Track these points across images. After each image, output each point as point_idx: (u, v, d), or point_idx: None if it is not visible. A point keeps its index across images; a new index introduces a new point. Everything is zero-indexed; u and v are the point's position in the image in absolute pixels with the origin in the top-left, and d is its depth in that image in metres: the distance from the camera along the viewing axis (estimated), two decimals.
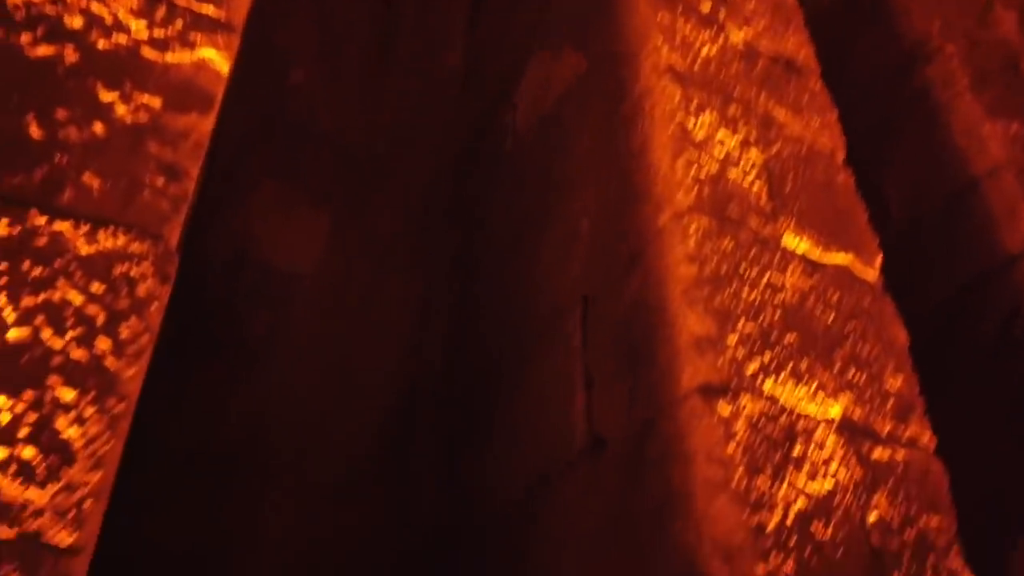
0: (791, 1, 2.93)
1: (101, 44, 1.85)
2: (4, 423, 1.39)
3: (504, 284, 2.98)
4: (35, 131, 1.69)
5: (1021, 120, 3.21)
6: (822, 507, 1.65)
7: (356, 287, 3.18)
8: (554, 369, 2.46)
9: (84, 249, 1.62)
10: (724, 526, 1.57)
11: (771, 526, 1.60)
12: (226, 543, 2.57)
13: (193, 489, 2.54)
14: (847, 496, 1.66)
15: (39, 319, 1.50)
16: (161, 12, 1.95)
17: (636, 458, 1.96)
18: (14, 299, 1.51)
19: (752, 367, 1.75)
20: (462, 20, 4.10)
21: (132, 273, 1.64)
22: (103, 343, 1.54)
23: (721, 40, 2.55)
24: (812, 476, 1.66)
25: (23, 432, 1.39)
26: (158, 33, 1.92)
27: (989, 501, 2.71)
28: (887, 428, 1.83)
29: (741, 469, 1.62)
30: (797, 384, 1.77)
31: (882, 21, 3.86)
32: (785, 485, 1.64)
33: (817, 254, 2.03)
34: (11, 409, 1.40)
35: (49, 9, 1.85)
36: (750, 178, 2.14)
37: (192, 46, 1.93)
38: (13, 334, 1.47)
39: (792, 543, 1.60)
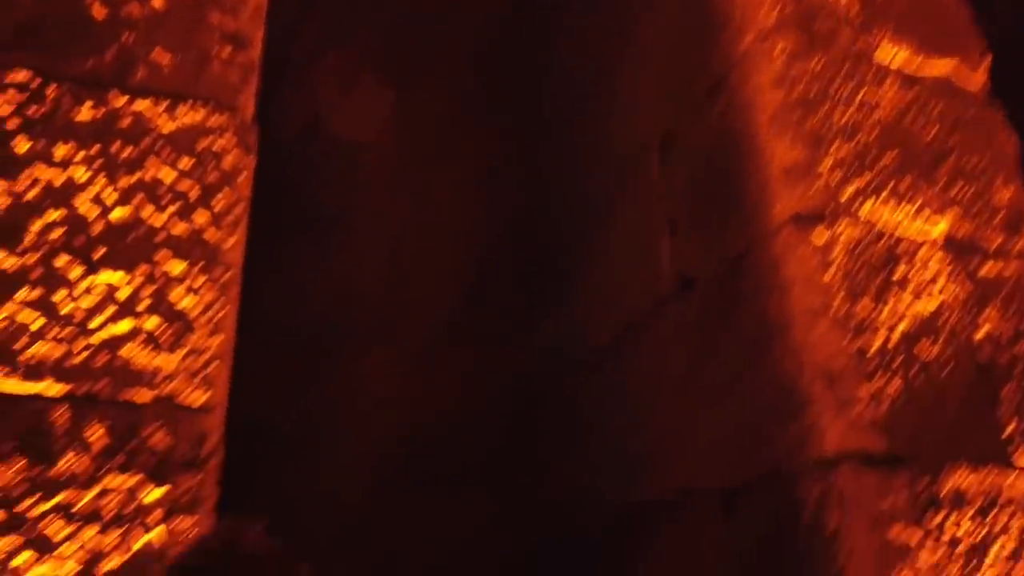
0: None
1: None
2: (124, 298, 1.46)
3: (576, 133, 2.91)
4: (98, 11, 1.67)
5: None
6: (927, 327, 1.62)
7: (425, 152, 3.15)
8: (635, 214, 2.43)
9: (167, 126, 1.63)
10: (825, 352, 1.57)
11: (874, 349, 1.59)
12: (320, 413, 2.71)
13: (285, 363, 2.65)
14: (953, 314, 1.63)
15: (138, 198, 1.55)
16: None
17: (726, 295, 1.95)
18: (112, 180, 1.54)
19: (849, 191, 1.69)
20: None
21: (215, 147, 1.65)
22: (201, 216, 1.57)
23: None
24: (916, 296, 1.62)
25: (143, 305, 1.46)
26: None
27: None
28: (997, 242, 1.76)
29: (841, 295, 1.60)
30: (898, 205, 1.70)
31: None
32: (888, 308, 1.61)
33: (916, 65, 1.89)
34: (129, 284, 1.47)
35: None
36: None
37: None
38: (116, 214, 1.52)
39: (896, 364, 1.59)
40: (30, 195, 1.47)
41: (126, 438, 1.37)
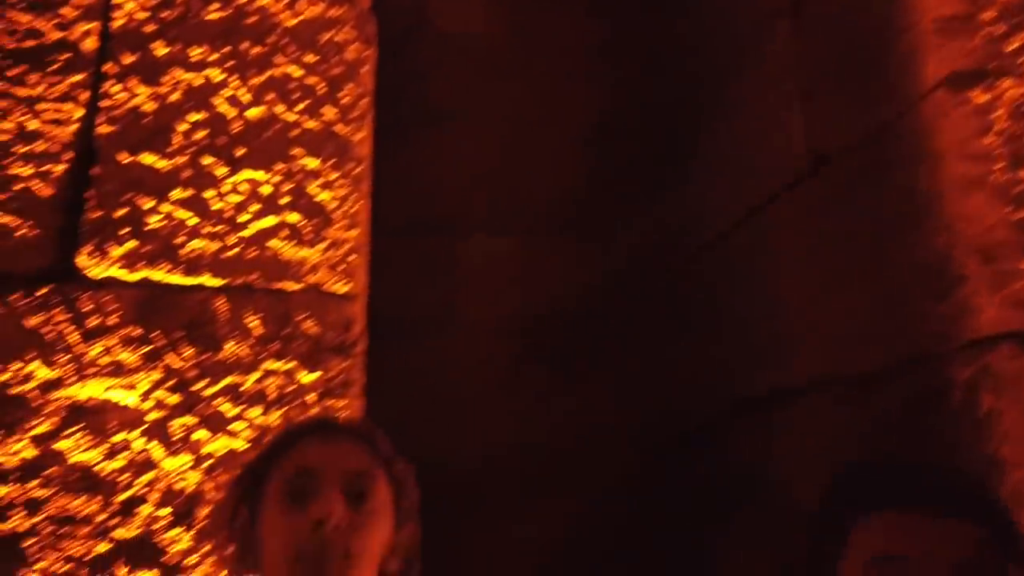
0: None
1: None
2: (267, 194, 1.52)
3: (693, 2, 2.75)
4: None
5: None
6: None
7: (534, 39, 3.06)
8: (763, 88, 2.30)
9: (289, 21, 1.64)
10: (982, 225, 1.46)
11: None
12: (439, 302, 2.78)
13: (405, 254, 2.72)
14: None
15: (270, 95, 1.58)
16: None
17: (866, 169, 1.83)
18: (244, 79, 1.58)
19: (1014, 45, 1.52)
20: None
21: (337, 38, 1.66)
22: (329, 111, 1.60)
23: None
24: None
25: (284, 200, 1.52)
26: None
27: None
28: None
29: (1002, 162, 1.47)
30: None
31: None
32: None
33: None
34: (269, 181, 1.53)
35: None
36: None
37: None
38: (252, 112, 1.56)
39: None
40: (173, 98, 1.53)
41: (280, 325, 1.46)
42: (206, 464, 1.37)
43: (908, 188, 1.66)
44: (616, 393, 2.74)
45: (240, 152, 1.53)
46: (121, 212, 1.47)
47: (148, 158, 1.50)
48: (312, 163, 1.56)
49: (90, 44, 1.55)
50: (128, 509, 1.33)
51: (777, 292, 2.21)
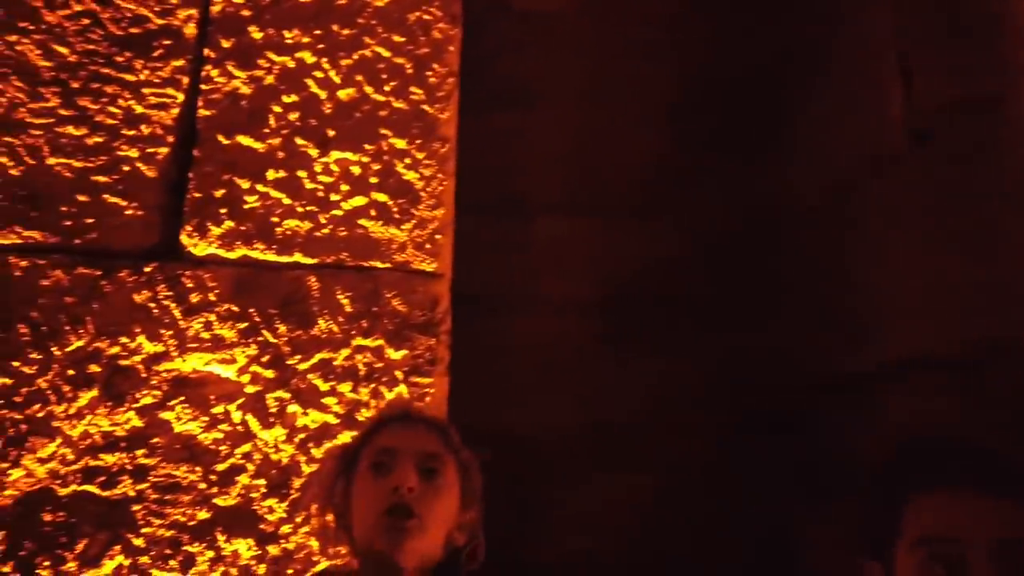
0: None
1: None
2: (356, 174, 1.55)
3: None
4: None
5: None
6: None
7: (609, 16, 3.01)
8: (860, 55, 2.20)
9: (377, 1, 1.66)
10: None
11: None
12: (518, 280, 2.78)
13: (485, 237, 2.72)
14: None
15: (359, 76, 1.60)
16: None
17: (973, 141, 1.73)
18: (334, 61, 1.61)
19: None
20: None
21: (424, 18, 1.67)
22: (417, 92, 1.61)
23: None
24: None
25: (374, 180, 1.55)
26: None
27: None
28: None
29: None
30: None
31: None
32: None
33: None
34: (359, 162, 1.55)
35: None
36: None
37: None
38: (343, 93, 1.59)
39: None
40: (267, 80, 1.57)
41: (369, 303, 1.49)
42: (300, 437, 1.41)
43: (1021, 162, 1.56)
44: (695, 371, 2.70)
45: (331, 133, 1.56)
46: (220, 192, 1.52)
47: (245, 140, 1.55)
48: (400, 143, 1.57)
49: (191, 30, 1.60)
50: (227, 479, 1.39)
51: (873, 268, 2.12)
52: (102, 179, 1.51)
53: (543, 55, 3.01)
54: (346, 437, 1.42)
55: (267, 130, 1.55)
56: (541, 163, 2.87)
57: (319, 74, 1.59)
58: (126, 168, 1.52)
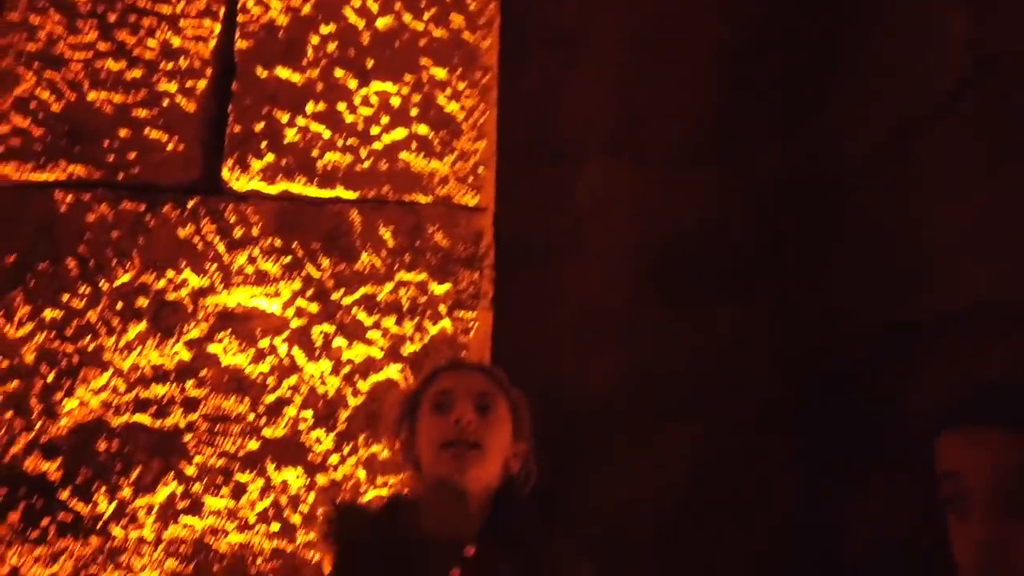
0: None
1: None
2: (397, 105, 1.52)
3: None
4: None
5: None
6: None
7: None
8: None
9: None
10: None
11: None
12: (567, 227, 2.74)
13: (531, 184, 2.68)
14: None
15: (397, 4, 1.56)
16: None
17: None
18: None
19: None
20: None
21: None
22: (457, 19, 1.57)
23: None
24: None
25: (414, 112, 1.52)
26: None
27: None
28: None
29: None
30: None
31: None
32: None
33: None
34: (398, 93, 1.52)
35: None
36: None
37: None
38: (381, 23, 1.55)
39: None
40: (304, 10, 1.54)
41: (412, 237, 1.47)
42: (345, 370, 1.42)
43: None
44: (744, 324, 2.66)
45: (370, 64, 1.53)
46: (260, 126, 1.50)
47: (283, 72, 1.52)
48: (440, 73, 1.54)
49: None
50: (275, 410, 1.40)
51: (932, 215, 2.06)
52: (142, 113, 1.51)
53: (588, 1, 2.92)
54: (391, 371, 1.42)
55: (305, 62, 1.52)
56: (587, 109, 2.80)
57: (356, 2, 1.55)
58: (165, 102, 1.51)
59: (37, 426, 1.38)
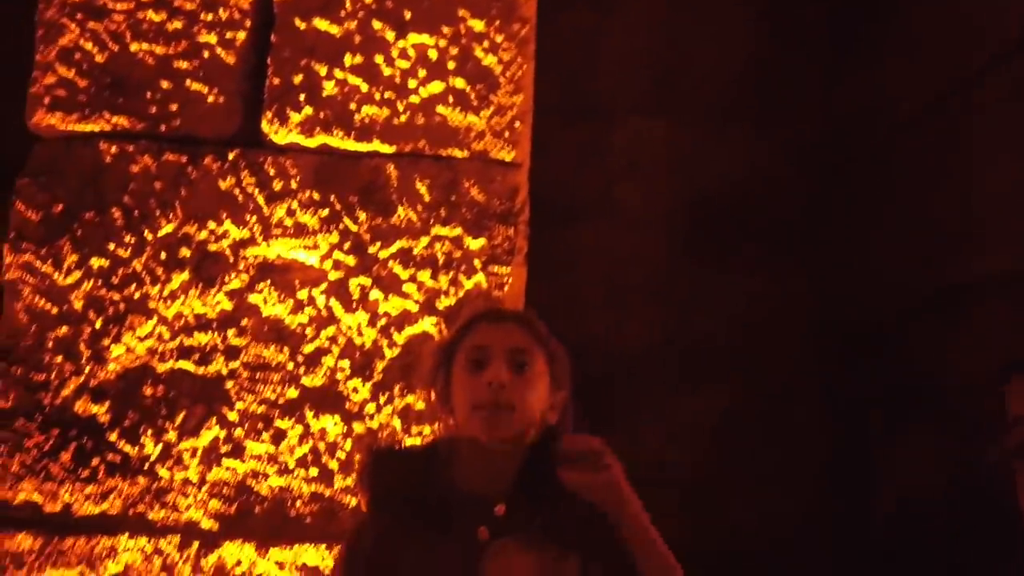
0: None
1: None
2: (434, 59, 1.51)
3: None
4: None
5: None
6: None
7: None
8: None
9: None
10: None
11: None
12: (604, 183, 2.72)
13: (564, 141, 2.65)
14: None
15: None
16: None
17: None
18: None
19: None
20: None
21: None
22: None
23: None
24: None
25: (451, 64, 1.51)
26: None
27: None
28: None
29: None
30: None
31: None
32: None
33: None
34: (436, 45, 1.51)
35: None
36: None
37: None
38: None
39: None
40: None
41: (448, 192, 1.48)
42: (381, 323, 1.45)
43: None
44: (780, 284, 2.64)
45: (408, 15, 1.52)
46: (298, 78, 1.51)
47: (321, 23, 1.52)
48: (477, 25, 1.52)
49: None
50: (313, 360, 1.44)
51: (977, 177, 2.01)
52: (184, 65, 1.52)
53: None
54: (426, 324, 1.44)
55: (343, 13, 1.52)
56: (621, 63, 2.76)
57: None
58: (206, 54, 1.52)
59: (86, 371, 1.43)
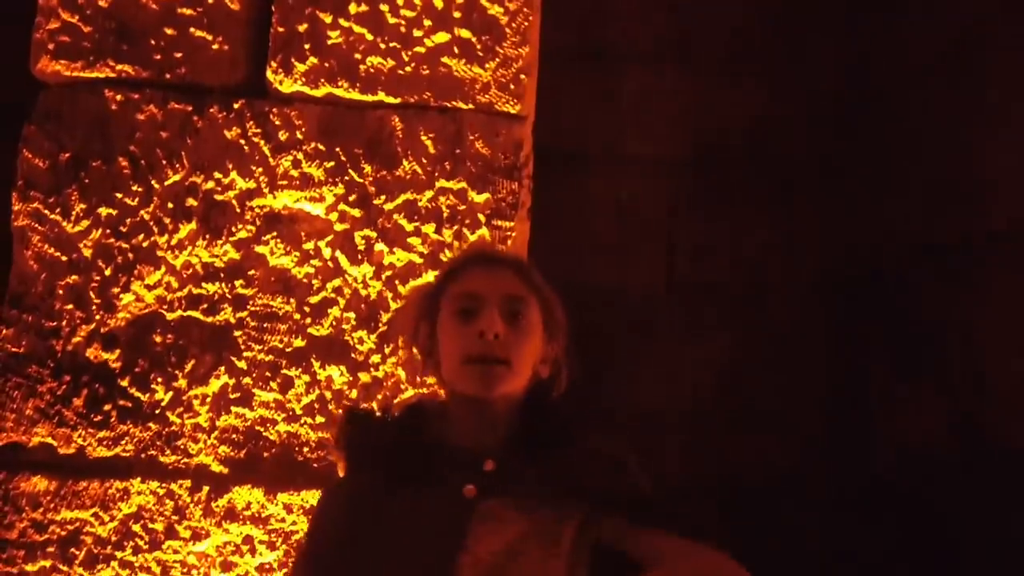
0: None
1: None
2: (439, 8, 1.49)
3: None
4: None
5: None
6: None
7: None
8: None
9: None
10: None
11: None
12: (608, 132, 2.69)
13: (568, 88, 2.61)
14: None
15: None
16: None
17: None
18: None
19: None
20: None
21: None
22: None
23: None
24: None
25: (457, 14, 1.49)
26: None
27: None
28: None
29: None
30: None
31: None
32: None
33: None
34: None
35: None
36: None
37: None
38: None
39: None
40: None
41: (452, 145, 1.48)
42: (386, 275, 1.46)
43: None
44: (786, 234, 2.64)
45: None
46: (303, 27, 1.49)
47: None
48: None
49: None
50: (320, 310, 1.46)
51: (989, 132, 1.99)
52: (188, 12, 1.51)
53: None
54: (430, 277, 1.46)
55: None
56: (627, 9, 2.70)
57: None
58: (210, 0, 1.51)
59: (97, 318, 1.46)
